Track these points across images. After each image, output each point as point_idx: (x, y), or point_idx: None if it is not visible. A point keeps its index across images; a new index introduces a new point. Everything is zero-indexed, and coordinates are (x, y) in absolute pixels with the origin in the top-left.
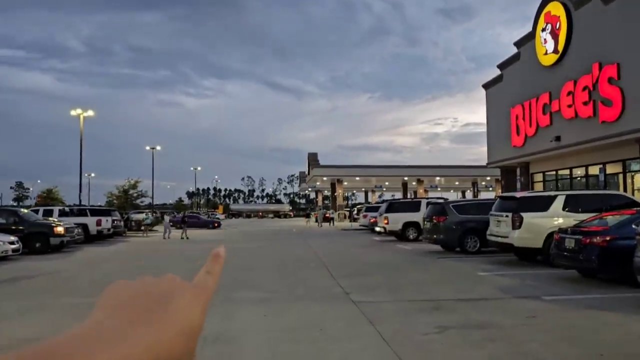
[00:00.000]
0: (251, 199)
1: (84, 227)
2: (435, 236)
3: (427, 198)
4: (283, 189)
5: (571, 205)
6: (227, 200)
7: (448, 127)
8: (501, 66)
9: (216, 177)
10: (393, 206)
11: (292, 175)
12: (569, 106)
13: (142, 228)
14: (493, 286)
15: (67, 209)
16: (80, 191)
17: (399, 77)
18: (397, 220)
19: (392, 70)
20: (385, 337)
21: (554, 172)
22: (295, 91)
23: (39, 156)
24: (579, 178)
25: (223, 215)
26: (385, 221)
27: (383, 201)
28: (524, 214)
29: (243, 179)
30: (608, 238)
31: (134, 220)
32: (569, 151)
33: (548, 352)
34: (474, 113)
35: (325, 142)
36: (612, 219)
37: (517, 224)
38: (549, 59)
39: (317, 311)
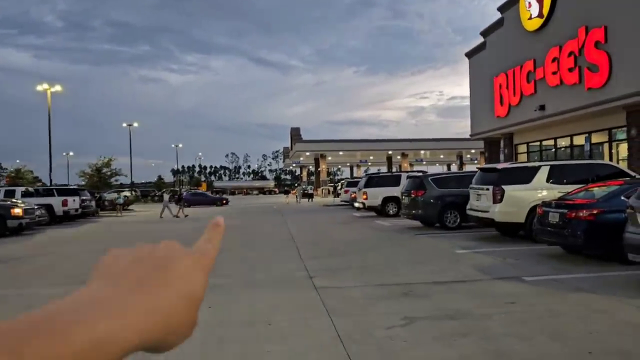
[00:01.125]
0: (237, 176)
1: (49, 208)
2: (413, 211)
3: (408, 171)
4: (268, 165)
5: (556, 176)
6: (212, 177)
7: (434, 101)
8: (484, 33)
9: (200, 154)
10: (372, 180)
11: (277, 151)
12: (554, 73)
13: (116, 207)
14: (471, 266)
15: (31, 189)
16: (51, 170)
17: (385, 50)
18: (376, 195)
19: (378, 44)
20: (342, 332)
21: (538, 143)
22: (280, 66)
23: (18, 136)
24: (563, 148)
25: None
26: (364, 196)
27: (365, 176)
28: (505, 187)
29: (227, 155)
30: (595, 211)
31: (107, 199)
32: (554, 120)
33: (526, 349)
34: (459, 86)
35: (312, 117)
36: (599, 190)
37: (498, 197)
38: (533, 24)
39: (272, 300)
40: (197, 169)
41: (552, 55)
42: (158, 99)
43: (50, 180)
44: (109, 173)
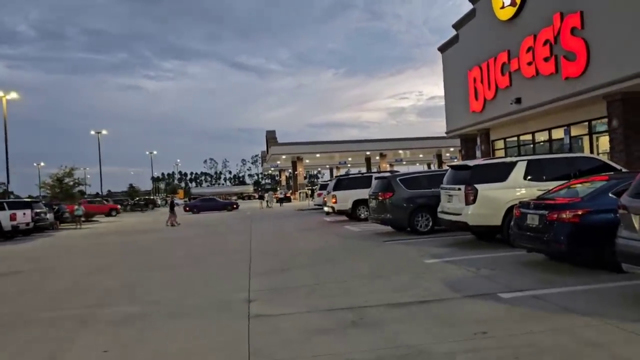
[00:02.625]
0: (219, 181)
1: None
2: (382, 215)
3: (378, 172)
4: (247, 170)
5: (534, 172)
6: (193, 184)
7: (414, 101)
8: (456, 25)
9: (178, 160)
10: (342, 183)
11: (256, 156)
12: (529, 64)
13: (72, 220)
14: (439, 279)
15: None
16: (8, 182)
17: (363, 51)
18: (346, 198)
19: (356, 45)
20: None
21: (515, 138)
22: (258, 70)
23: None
24: (542, 143)
25: (182, 200)
26: (334, 200)
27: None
28: (478, 186)
29: (205, 161)
30: (580, 212)
31: (65, 211)
32: (531, 114)
33: None
34: (438, 86)
35: (292, 121)
36: (583, 187)
37: (470, 198)
38: (506, 13)
39: (189, 336)
40: (177, 175)
41: (526, 44)
42: (136, 107)
43: (7, 193)
44: (71, 183)
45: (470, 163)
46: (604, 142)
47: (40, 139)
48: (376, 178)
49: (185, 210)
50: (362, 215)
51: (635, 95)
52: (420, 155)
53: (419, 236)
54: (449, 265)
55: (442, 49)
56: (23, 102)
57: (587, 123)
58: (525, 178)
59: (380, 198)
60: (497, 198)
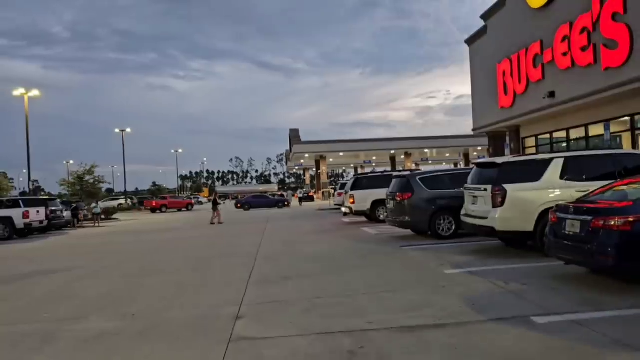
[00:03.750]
0: (245, 180)
1: (9, 220)
2: (400, 218)
3: (400, 171)
4: (273, 168)
5: (572, 171)
6: (221, 182)
7: (441, 100)
8: (485, 16)
9: (205, 159)
10: (360, 182)
11: (282, 154)
12: (564, 54)
13: (91, 218)
14: (460, 296)
15: None
16: (30, 179)
17: (390, 50)
18: (364, 198)
19: (383, 44)
20: None
21: (548, 136)
22: (285, 69)
23: (25, 145)
24: (577, 140)
25: (207, 199)
26: (351, 200)
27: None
28: (507, 186)
29: (231, 160)
30: (631, 218)
31: (83, 209)
32: (566, 108)
33: None
34: (466, 85)
35: (319, 120)
36: (632, 189)
37: (498, 199)
38: (539, 0)
39: None
40: (204, 174)
41: (561, 33)
42: (165, 106)
43: (30, 190)
44: (91, 181)
45: (499, 160)
46: None
47: (72, 137)
48: (394, 177)
49: (237, 207)
50: (382, 216)
51: None
52: (447, 155)
53: (440, 241)
54: (472, 278)
55: (470, 41)
56: (56, 101)
57: (628, 118)
58: (562, 177)
59: (398, 199)
60: (529, 200)
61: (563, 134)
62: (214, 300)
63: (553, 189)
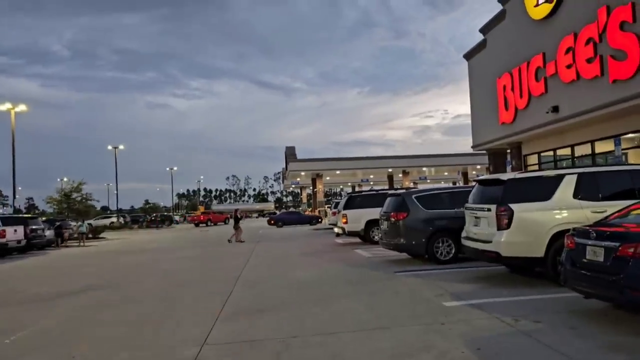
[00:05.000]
0: (242, 198)
1: None
2: (395, 240)
3: (396, 189)
4: (270, 187)
5: (587, 189)
6: (218, 200)
7: (439, 120)
8: (484, 29)
9: (201, 177)
10: (354, 201)
11: (279, 173)
12: (569, 67)
13: (76, 236)
14: (462, 337)
15: None
16: (15, 197)
17: (388, 70)
18: (358, 218)
19: (381, 64)
20: None
21: (551, 153)
22: (283, 88)
23: (25, 163)
24: (582, 157)
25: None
26: (344, 220)
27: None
28: (514, 206)
29: (228, 178)
30: None
31: (67, 228)
32: (570, 124)
33: None
34: (463, 104)
35: (316, 139)
36: None
37: (504, 221)
38: (541, 11)
39: None
40: (201, 192)
41: (565, 45)
42: (164, 124)
43: (14, 208)
44: (78, 198)
45: (504, 177)
46: None
47: (71, 154)
48: (389, 195)
49: (270, 224)
50: (376, 237)
51: None
52: (445, 173)
53: (439, 266)
54: (475, 312)
55: (468, 56)
56: (55, 119)
57: (638, 134)
58: (575, 196)
59: (392, 219)
60: (539, 222)
61: (567, 151)
62: (174, 339)
63: (566, 209)
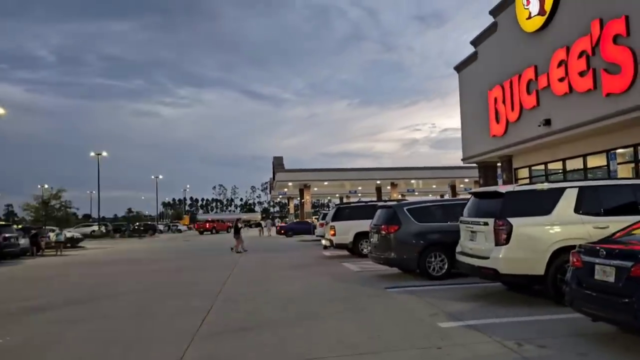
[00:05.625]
0: (229, 208)
1: None
2: (385, 254)
3: (386, 201)
4: (257, 197)
5: (588, 204)
6: (204, 210)
7: (427, 133)
8: (475, 42)
9: (188, 186)
10: (342, 212)
11: (266, 183)
12: (561, 80)
13: (53, 245)
14: None
15: None
16: None
17: (377, 83)
18: (346, 230)
19: (370, 77)
20: None
21: (542, 166)
22: (273, 99)
23: (8, 169)
24: (574, 172)
25: (186, 227)
26: (332, 232)
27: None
28: (513, 220)
29: (214, 187)
30: None
31: (44, 236)
32: (562, 137)
33: None
34: (451, 118)
35: (305, 150)
36: None
37: (502, 236)
38: (533, 24)
39: None
40: (188, 201)
41: (558, 58)
42: (151, 132)
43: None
44: (57, 205)
45: (502, 189)
46: None
47: (55, 161)
48: (379, 207)
49: (280, 233)
50: (365, 250)
51: None
52: (434, 186)
53: (431, 282)
54: (474, 334)
55: (459, 68)
56: (39, 124)
57: (632, 148)
58: (577, 211)
59: (383, 232)
60: (539, 238)
61: (559, 164)
62: None
63: (567, 225)
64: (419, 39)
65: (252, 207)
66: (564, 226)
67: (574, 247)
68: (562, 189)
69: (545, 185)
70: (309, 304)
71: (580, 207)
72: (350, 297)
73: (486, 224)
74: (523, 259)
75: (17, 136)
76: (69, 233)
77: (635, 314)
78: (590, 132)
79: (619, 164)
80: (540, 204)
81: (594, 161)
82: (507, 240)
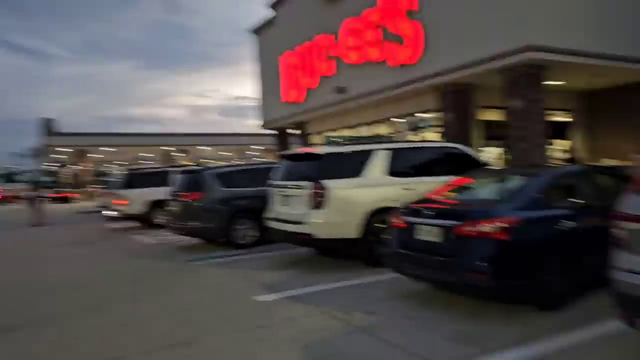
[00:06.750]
0: None
1: None
2: (189, 224)
3: (184, 166)
4: (21, 165)
5: (398, 165)
6: None
7: (217, 100)
8: (274, 5)
9: None
10: (133, 179)
11: (36, 149)
12: (354, 49)
13: None
14: (294, 344)
15: None
16: None
17: (162, 46)
18: (138, 198)
19: (155, 39)
20: None
21: (335, 133)
22: (37, 53)
23: None
24: (364, 139)
25: None
26: (122, 201)
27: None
28: (330, 183)
29: None
30: (507, 224)
31: None
32: (355, 105)
33: None
34: (241, 86)
35: (81, 113)
36: (485, 187)
37: (319, 200)
38: None
39: None
40: None
41: (351, 27)
42: None
43: None
44: None
45: (320, 151)
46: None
47: None
48: (181, 172)
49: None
50: (162, 220)
51: (463, 86)
52: (227, 154)
53: (240, 252)
54: (298, 307)
55: (257, 31)
56: None
57: (417, 116)
58: (388, 172)
59: (185, 200)
60: (355, 200)
61: (351, 132)
62: None
63: (379, 186)
64: (206, 3)
65: (13, 176)
66: (377, 188)
67: (388, 209)
68: (372, 151)
69: (356, 147)
70: (98, 288)
71: (390, 169)
72: (148, 275)
73: (301, 187)
74: (340, 223)
75: None
76: None
77: (458, 272)
78: (381, 101)
79: (402, 132)
80: (353, 165)
81: (381, 129)
82: (324, 204)
